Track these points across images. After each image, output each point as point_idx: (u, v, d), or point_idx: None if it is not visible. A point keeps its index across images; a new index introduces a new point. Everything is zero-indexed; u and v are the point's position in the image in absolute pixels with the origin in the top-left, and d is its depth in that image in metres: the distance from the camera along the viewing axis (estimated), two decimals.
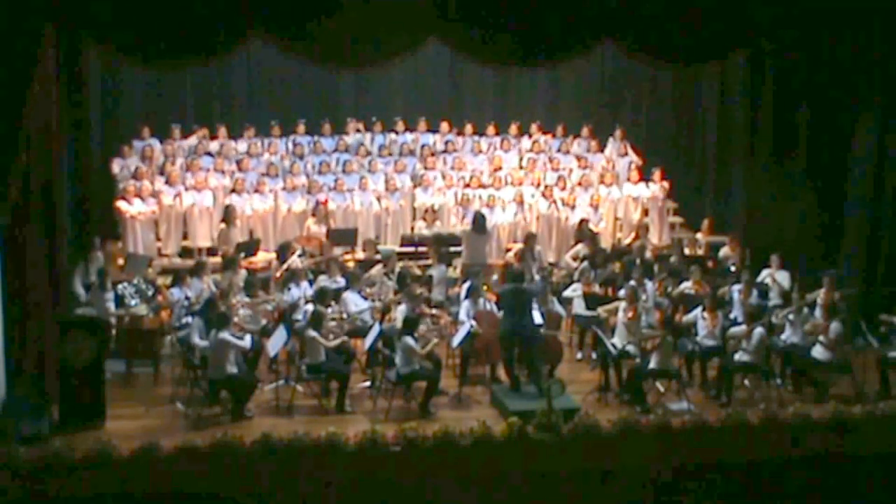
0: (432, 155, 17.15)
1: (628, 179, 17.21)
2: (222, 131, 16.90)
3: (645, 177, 17.17)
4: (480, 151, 17.49)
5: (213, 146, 16.79)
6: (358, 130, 17.41)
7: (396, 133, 17.58)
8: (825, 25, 12.84)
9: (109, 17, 10.76)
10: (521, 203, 16.40)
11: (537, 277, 13.06)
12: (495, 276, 13.58)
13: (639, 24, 12.28)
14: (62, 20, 10.64)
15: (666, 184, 17.02)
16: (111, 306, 12.11)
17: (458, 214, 16.12)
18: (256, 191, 16.02)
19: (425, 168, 16.88)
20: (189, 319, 11.78)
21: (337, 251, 14.77)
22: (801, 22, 12.72)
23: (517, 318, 11.40)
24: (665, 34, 12.38)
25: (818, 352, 11.69)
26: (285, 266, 13.64)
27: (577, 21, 11.93)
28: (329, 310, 11.92)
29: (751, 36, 13.04)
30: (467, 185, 16.59)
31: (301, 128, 17.26)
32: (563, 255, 15.64)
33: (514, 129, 17.79)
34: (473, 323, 11.76)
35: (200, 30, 10.99)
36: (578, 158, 17.51)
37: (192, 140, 16.74)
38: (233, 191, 15.90)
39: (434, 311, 13.00)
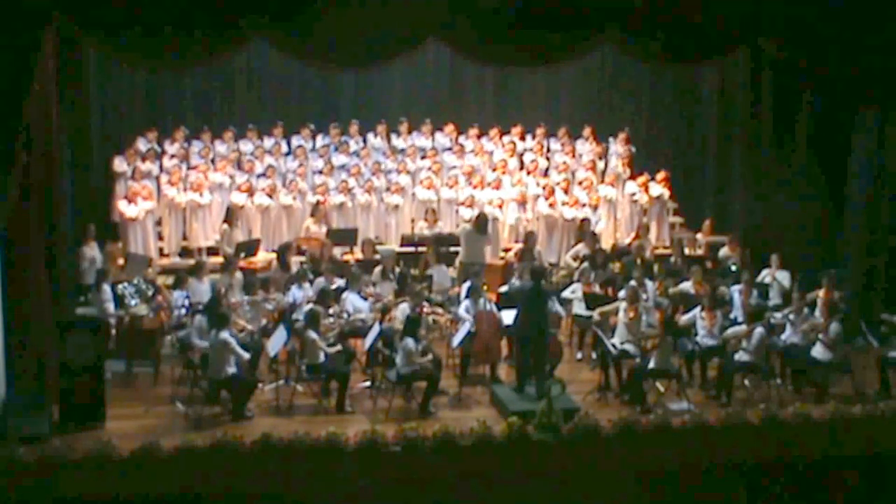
0: (434, 155, 17.16)
1: (630, 179, 17.21)
2: (225, 133, 16.91)
3: (647, 178, 17.16)
4: (480, 151, 17.51)
5: (215, 146, 16.80)
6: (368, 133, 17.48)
7: (398, 134, 17.60)
8: (825, 24, 12.83)
9: (109, 18, 10.75)
10: (521, 203, 16.41)
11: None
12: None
13: (638, 24, 12.27)
14: (62, 20, 10.63)
15: (667, 185, 17.05)
16: (111, 306, 12.11)
17: (459, 214, 16.14)
18: (258, 191, 16.03)
19: (427, 168, 16.89)
20: (189, 319, 11.79)
21: (336, 251, 14.77)
22: (801, 21, 12.70)
23: (535, 315, 11.35)
24: (665, 33, 12.37)
25: (818, 352, 11.69)
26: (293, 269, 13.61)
27: (577, 21, 11.91)
28: (330, 310, 11.93)
29: (751, 35, 13.03)
30: (469, 185, 16.60)
31: (305, 130, 17.28)
32: (563, 255, 15.66)
33: (515, 129, 17.80)
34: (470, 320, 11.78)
35: (200, 30, 10.99)
36: (579, 158, 17.53)
37: (195, 143, 16.80)
38: (236, 190, 15.93)
39: (435, 310, 13.00)
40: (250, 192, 15.94)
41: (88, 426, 10.33)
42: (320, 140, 17.37)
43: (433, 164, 16.92)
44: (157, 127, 16.74)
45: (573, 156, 17.57)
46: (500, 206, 16.21)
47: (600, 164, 17.57)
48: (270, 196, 15.97)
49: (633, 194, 16.88)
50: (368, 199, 16.30)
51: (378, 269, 13.48)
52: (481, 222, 14.63)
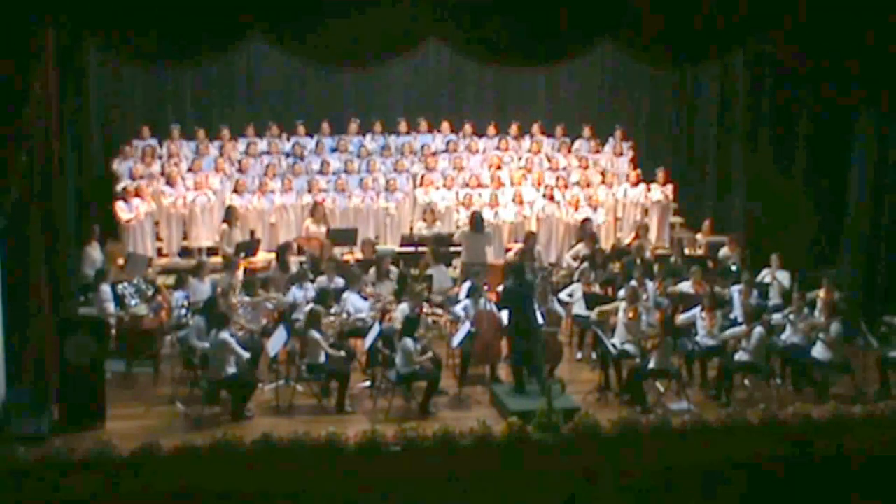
0: (433, 155, 17.17)
1: (628, 180, 17.21)
2: (224, 132, 16.92)
3: (647, 178, 17.15)
4: (478, 151, 17.51)
5: (214, 147, 16.81)
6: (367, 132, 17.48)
7: (397, 133, 17.59)
8: (825, 24, 12.83)
9: (109, 17, 10.75)
10: (520, 203, 16.42)
11: (537, 277, 13.05)
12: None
13: (638, 24, 12.26)
14: (62, 20, 10.62)
15: (670, 186, 17.03)
16: (111, 306, 12.11)
17: (458, 214, 16.13)
18: (257, 191, 16.03)
19: (426, 168, 16.90)
20: (190, 319, 11.78)
21: (336, 251, 14.76)
22: (801, 21, 12.70)
23: (520, 311, 11.37)
24: (665, 34, 12.36)
25: (818, 352, 11.69)
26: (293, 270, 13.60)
27: (577, 21, 11.90)
28: (331, 310, 11.93)
29: (750, 35, 13.03)
30: (467, 185, 16.61)
31: (301, 128, 17.28)
32: (564, 255, 15.66)
33: (514, 129, 17.81)
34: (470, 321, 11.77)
35: (200, 30, 10.98)
36: (579, 159, 17.54)
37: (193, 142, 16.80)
38: (234, 191, 15.93)
39: (434, 310, 13.00)
40: (249, 191, 15.93)
41: (88, 426, 10.33)
42: (319, 139, 17.36)
43: (430, 163, 16.91)
44: (150, 125, 16.73)
45: (569, 154, 17.58)
46: (494, 203, 16.21)
47: (601, 164, 17.56)
48: (270, 196, 15.97)
49: (626, 196, 16.89)
50: (366, 199, 16.28)
51: (373, 268, 13.46)
52: (476, 221, 14.64)
